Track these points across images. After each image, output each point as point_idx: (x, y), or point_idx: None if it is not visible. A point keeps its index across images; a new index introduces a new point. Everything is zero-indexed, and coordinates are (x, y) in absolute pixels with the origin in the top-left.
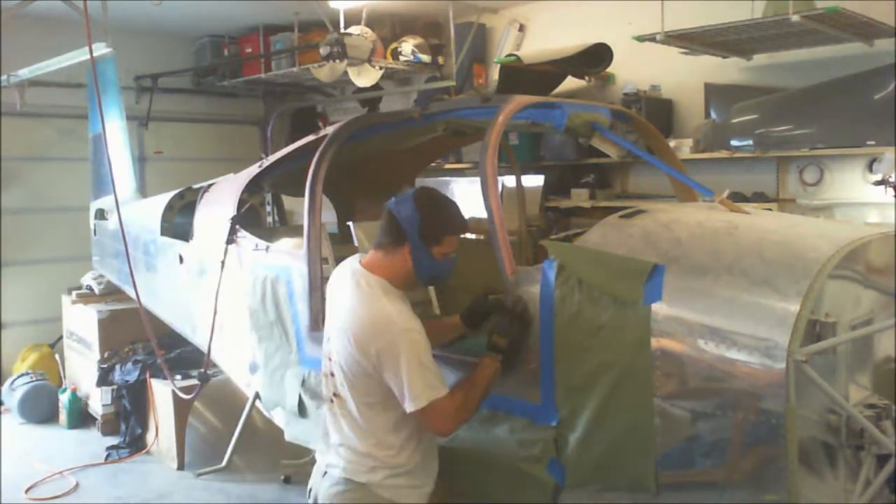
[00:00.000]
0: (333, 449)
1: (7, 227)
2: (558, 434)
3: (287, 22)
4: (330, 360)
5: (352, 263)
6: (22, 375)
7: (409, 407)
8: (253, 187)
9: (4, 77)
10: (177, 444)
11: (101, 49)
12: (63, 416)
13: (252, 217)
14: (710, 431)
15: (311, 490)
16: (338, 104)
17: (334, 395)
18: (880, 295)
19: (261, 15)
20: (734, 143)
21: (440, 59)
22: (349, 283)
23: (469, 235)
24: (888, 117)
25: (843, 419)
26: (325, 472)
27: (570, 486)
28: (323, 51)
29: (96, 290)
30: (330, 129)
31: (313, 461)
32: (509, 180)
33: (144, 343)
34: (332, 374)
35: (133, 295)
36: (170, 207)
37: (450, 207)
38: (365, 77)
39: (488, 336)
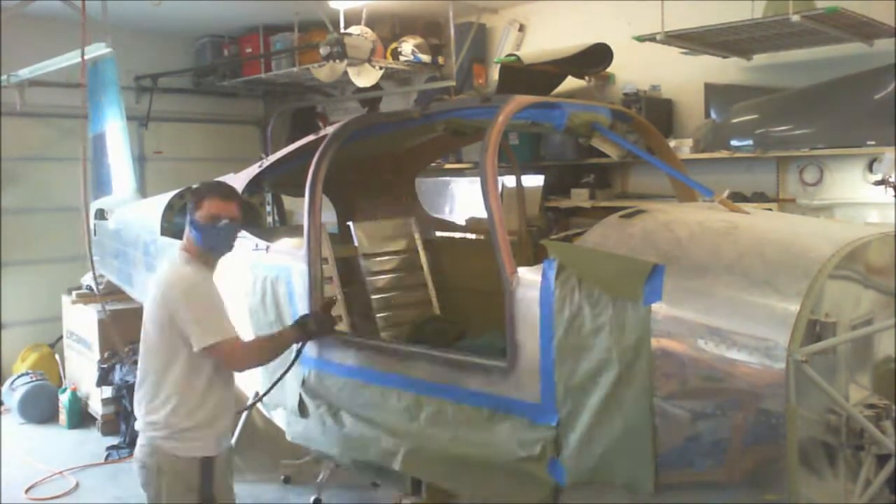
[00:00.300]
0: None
1: (7, 227)
2: (558, 434)
3: (287, 22)
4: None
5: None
6: (22, 375)
7: (197, 345)
8: (253, 187)
9: (4, 77)
10: None
11: (101, 49)
12: (63, 416)
13: (252, 217)
14: (710, 431)
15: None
16: (338, 104)
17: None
18: (880, 295)
19: (261, 15)
20: (734, 143)
21: (440, 59)
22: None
23: (469, 235)
24: (888, 117)
25: (843, 419)
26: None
27: (570, 486)
28: (323, 51)
29: (96, 290)
30: (330, 129)
31: (313, 461)
32: (509, 180)
33: None
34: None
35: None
36: (170, 207)
37: (213, 181)
38: (365, 77)
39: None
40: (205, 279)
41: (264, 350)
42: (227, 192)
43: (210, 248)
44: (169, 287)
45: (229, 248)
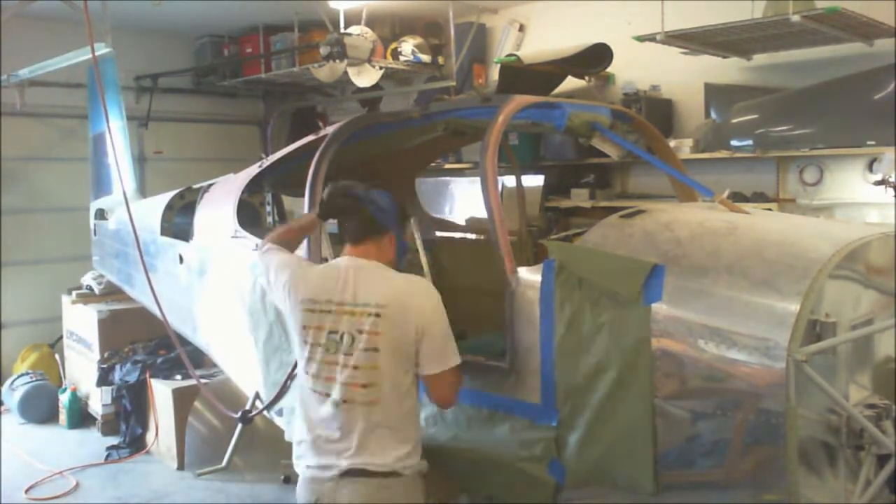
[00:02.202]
0: (357, 446)
1: (7, 227)
2: (559, 434)
3: (287, 22)
4: (347, 354)
5: (347, 262)
6: (22, 375)
7: (439, 367)
8: (253, 187)
9: (4, 77)
10: (177, 444)
11: (100, 49)
12: (63, 416)
13: (252, 217)
14: (710, 431)
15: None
16: (338, 104)
17: (362, 385)
18: (880, 295)
19: (261, 15)
20: (734, 143)
21: (440, 59)
22: (367, 271)
23: (469, 235)
24: (888, 117)
25: (843, 419)
26: (342, 476)
27: (570, 486)
28: (323, 51)
29: (96, 290)
30: (330, 129)
31: None
32: (509, 180)
33: (144, 343)
34: (354, 367)
35: (132, 296)
36: (170, 207)
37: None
38: (365, 77)
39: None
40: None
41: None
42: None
43: (401, 264)
44: (429, 293)
45: None
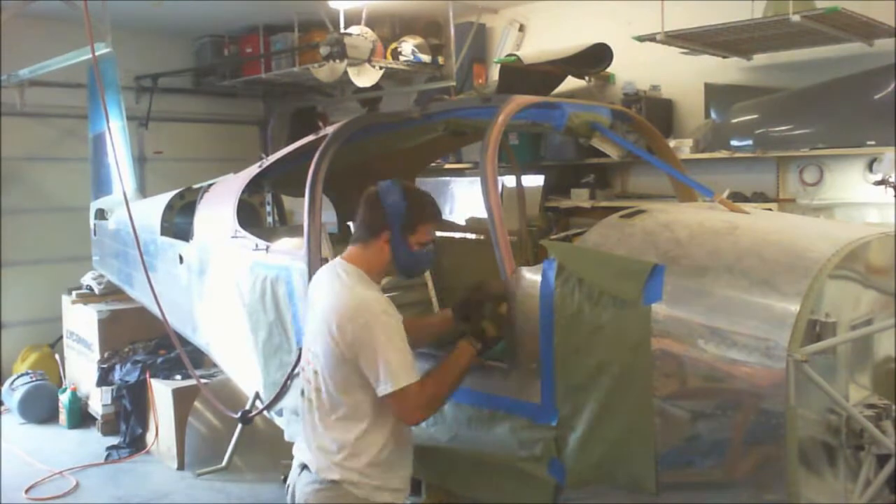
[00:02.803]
0: (309, 446)
1: (7, 227)
2: (559, 434)
3: (287, 22)
4: (308, 359)
5: (332, 262)
6: (22, 375)
7: (381, 389)
8: (253, 187)
9: (4, 77)
10: (177, 444)
11: (100, 49)
12: (63, 416)
13: (252, 217)
14: (709, 431)
15: (289, 487)
16: (338, 104)
17: (315, 389)
18: (880, 295)
19: (261, 15)
20: (734, 143)
21: (440, 59)
22: (328, 276)
23: (469, 235)
24: (888, 117)
25: (843, 419)
26: (302, 470)
27: (570, 486)
28: (323, 51)
29: (96, 290)
30: (330, 129)
31: None
32: (509, 180)
33: (144, 343)
34: (315, 372)
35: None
36: (170, 207)
37: (430, 198)
38: (365, 77)
39: (474, 323)
40: (388, 303)
41: (447, 389)
42: (439, 213)
43: (408, 271)
44: (343, 310)
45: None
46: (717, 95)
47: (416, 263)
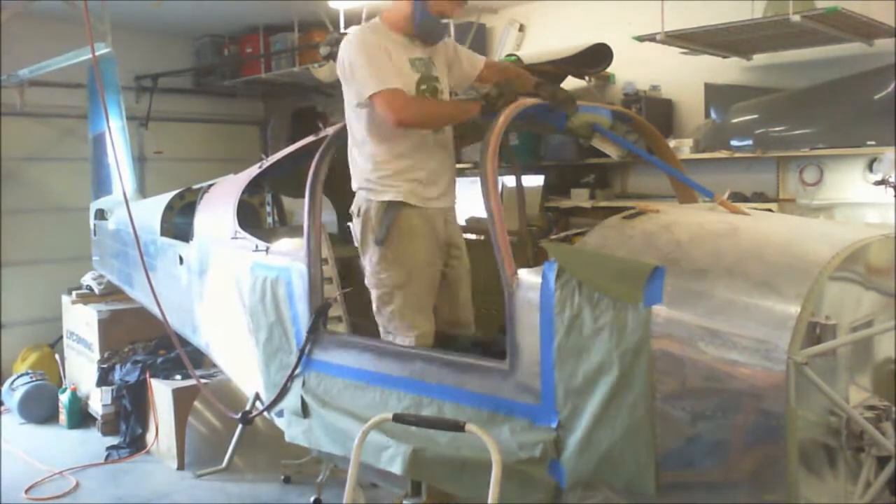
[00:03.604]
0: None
1: (7, 227)
2: (559, 435)
3: (287, 22)
4: None
5: None
6: (22, 375)
7: (358, 98)
8: (253, 188)
9: (4, 77)
10: (177, 444)
11: (100, 49)
12: (63, 416)
13: (252, 217)
14: (710, 433)
15: None
16: (338, 104)
17: None
18: (881, 296)
19: (261, 15)
20: (734, 143)
21: None
22: None
23: (469, 235)
24: (888, 117)
25: (843, 421)
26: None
27: (570, 488)
28: (323, 51)
29: (96, 290)
30: (330, 130)
31: (313, 461)
32: (509, 180)
33: (144, 343)
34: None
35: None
36: (170, 208)
37: None
38: None
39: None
40: (384, 39)
41: (432, 108)
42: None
43: (424, 32)
44: (343, 46)
45: (437, 41)
46: (717, 95)
47: (428, 23)
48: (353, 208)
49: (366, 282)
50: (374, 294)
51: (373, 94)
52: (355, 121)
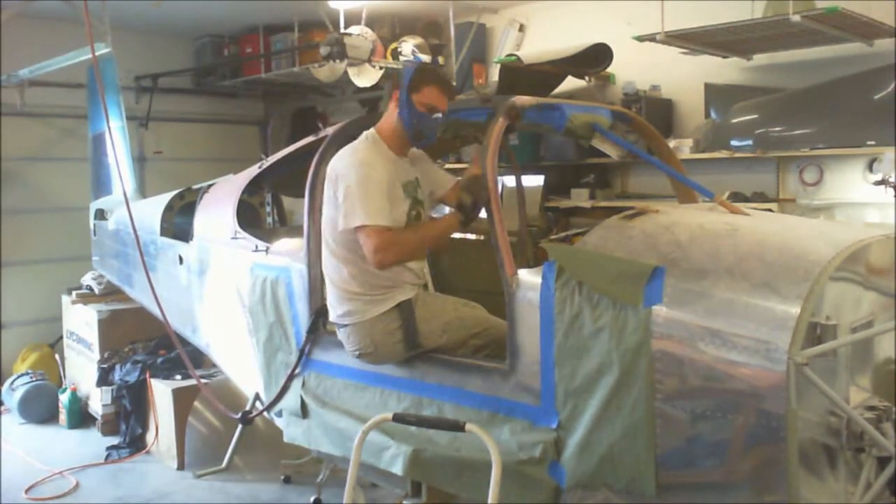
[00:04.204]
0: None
1: (7, 227)
2: (559, 436)
3: (287, 22)
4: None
5: None
6: (22, 375)
7: (342, 224)
8: (253, 188)
9: (4, 77)
10: (177, 444)
11: (100, 49)
12: (63, 416)
13: (252, 217)
14: (710, 433)
15: None
16: (338, 104)
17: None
18: (881, 297)
19: (261, 15)
20: (734, 143)
21: (440, 59)
22: None
23: (469, 235)
24: (888, 117)
25: (843, 421)
26: None
27: (570, 488)
28: (323, 51)
29: (96, 290)
30: (330, 130)
31: (313, 461)
32: (509, 180)
33: (144, 343)
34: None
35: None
36: (170, 208)
37: (441, 71)
38: (365, 77)
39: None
40: (382, 165)
41: (413, 243)
42: (448, 84)
43: (415, 134)
44: (337, 159)
45: (431, 140)
46: (717, 95)
47: (419, 124)
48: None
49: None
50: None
51: (359, 227)
52: (332, 238)
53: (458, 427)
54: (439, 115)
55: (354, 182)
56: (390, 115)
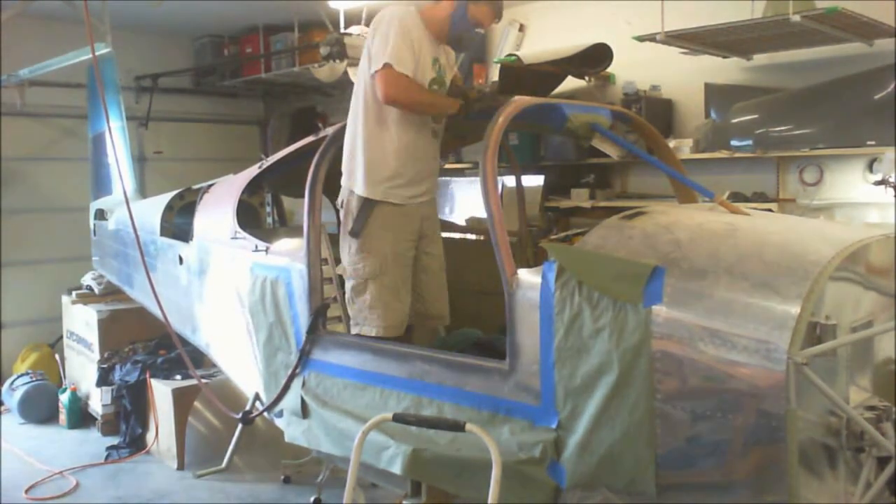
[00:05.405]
0: None
1: (7, 227)
2: (559, 436)
3: (287, 22)
4: None
5: None
6: (22, 375)
7: (371, 68)
8: (253, 188)
9: (4, 77)
10: (177, 444)
11: (100, 49)
12: (63, 416)
13: (252, 217)
14: (710, 433)
15: None
16: (338, 104)
17: None
18: (880, 296)
19: (261, 15)
20: (734, 143)
21: None
22: None
23: (469, 236)
24: (888, 117)
25: (843, 421)
26: None
27: (570, 488)
28: (323, 51)
29: (96, 290)
30: (330, 130)
31: (313, 461)
32: (509, 180)
33: (144, 343)
34: None
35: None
36: (169, 208)
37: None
38: None
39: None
40: (421, 32)
41: (422, 96)
42: (500, 11)
43: (456, 35)
44: (384, 12)
45: (464, 48)
46: (717, 95)
47: (463, 28)
48: (338, 201)
49: (341, 270)
50: (348, 285)
51: (383, 64)
52: (353, 113)
53: (458, 427)
54: (481, 30)
55: (393, 31)
56: (441, 7)
